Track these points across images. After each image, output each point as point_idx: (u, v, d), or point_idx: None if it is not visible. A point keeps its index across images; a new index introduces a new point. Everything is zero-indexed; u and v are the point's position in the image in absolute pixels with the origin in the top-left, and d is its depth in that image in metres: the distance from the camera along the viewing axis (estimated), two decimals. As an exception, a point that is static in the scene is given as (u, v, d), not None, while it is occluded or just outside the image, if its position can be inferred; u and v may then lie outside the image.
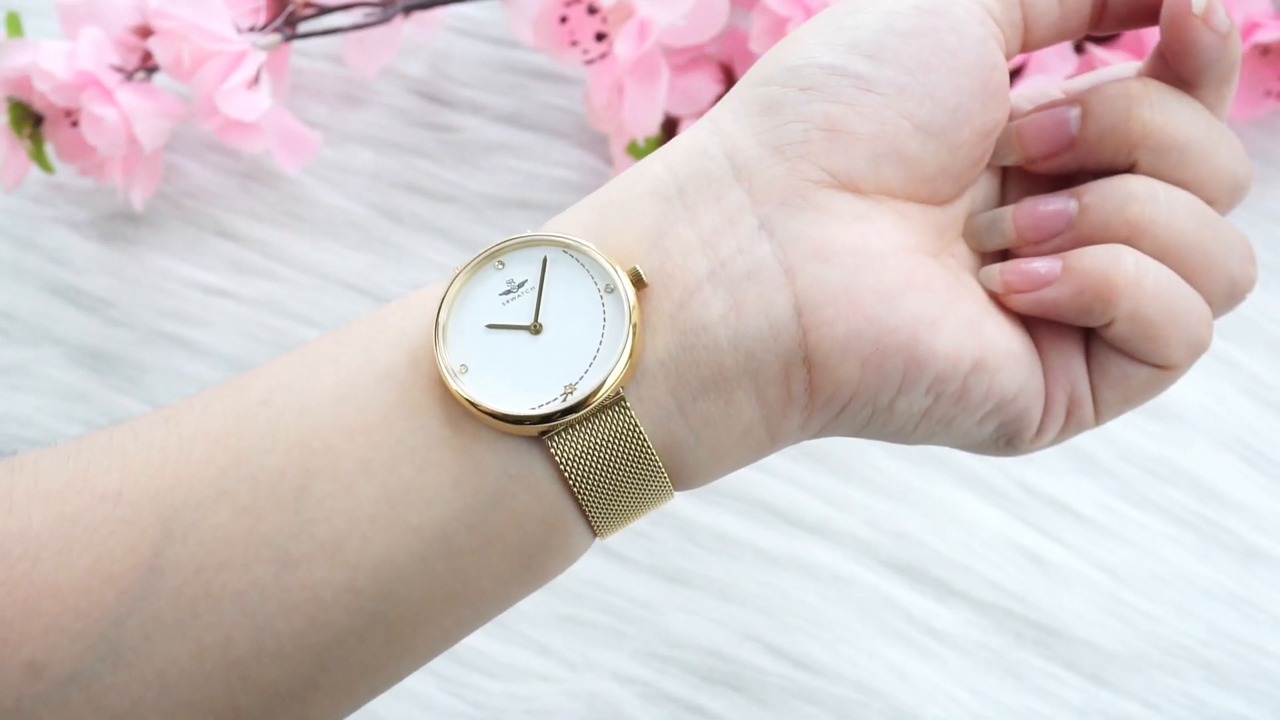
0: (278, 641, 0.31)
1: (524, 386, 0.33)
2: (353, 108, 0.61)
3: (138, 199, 0.56)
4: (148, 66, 0.55)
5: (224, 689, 0.31)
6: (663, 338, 0.33)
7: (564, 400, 0.32)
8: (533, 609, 0.49)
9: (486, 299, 0.33)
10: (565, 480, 0.33)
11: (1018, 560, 0.50)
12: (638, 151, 0.55)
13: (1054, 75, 0.54)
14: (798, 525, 0.51)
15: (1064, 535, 0.51)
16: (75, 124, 0.54)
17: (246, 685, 0.31)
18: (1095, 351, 0.36)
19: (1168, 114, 0.35)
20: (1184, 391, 0.53)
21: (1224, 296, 0.36)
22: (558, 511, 0.33)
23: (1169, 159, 0.35)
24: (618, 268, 0.33)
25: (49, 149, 0.56)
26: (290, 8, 0.56)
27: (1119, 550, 0.51)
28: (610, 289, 0.33)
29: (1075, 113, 0.36)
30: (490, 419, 0.32)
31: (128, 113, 0.53)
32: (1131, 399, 0.36)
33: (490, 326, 0.33)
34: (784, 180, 0.33)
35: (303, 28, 0.57)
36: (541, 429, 0.32)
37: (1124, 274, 0.34)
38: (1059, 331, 0.36)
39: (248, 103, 0.53)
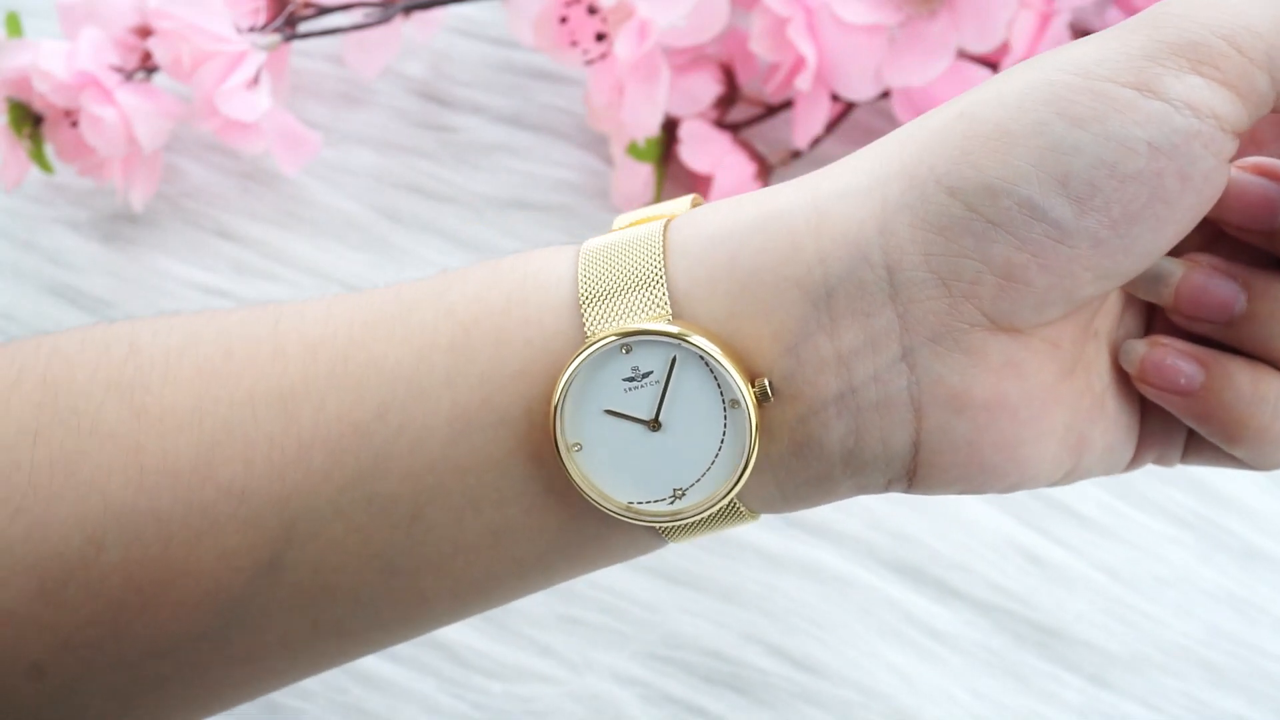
0: (383, 624, 0.35)
1: (633, 477, 0.33)
2: (353, 108, 0.61)
3: (137, 199, 0.56)
4: (148, 66, 0.55)
5: (337, 648, 0.35)
6: (779, 445, 0.33)
7: (670, 503, 0.33)
8: (534, 610, 0.49)
9: (609, 383, 0.32)
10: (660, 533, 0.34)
11: (1018, 561, 0.50)
12: (638, 152, 0.55)
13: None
14: (799, 527, 0.51)
15: (1065, 536, 0.51)
16: (75, 124, 0.54)
17: (357, 646, 0.36)
18: (1198, 438, 0.35)
19: None
20: (1184, 392, 0.53)
21: None
22: (648, 543, 0.35)
23: None
24: (748, 389, 0.32)
25: (49, 149, 0.56)
26: (290, 8, 0.56)
27: (1120, 551, 0.51)
28: (735, 404, 0.32)
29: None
30: (592, 499, 0.33)
31: (127, 113, 0.53)
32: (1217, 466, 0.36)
33: (608, 412, 0.33)
34: (941, 316, 0.31)
35: (303, 28, 0.57)
36: (644, 524, 0.33)
37: (1258, 421, 0.33)
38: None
39: (247, 103, 0.53)
